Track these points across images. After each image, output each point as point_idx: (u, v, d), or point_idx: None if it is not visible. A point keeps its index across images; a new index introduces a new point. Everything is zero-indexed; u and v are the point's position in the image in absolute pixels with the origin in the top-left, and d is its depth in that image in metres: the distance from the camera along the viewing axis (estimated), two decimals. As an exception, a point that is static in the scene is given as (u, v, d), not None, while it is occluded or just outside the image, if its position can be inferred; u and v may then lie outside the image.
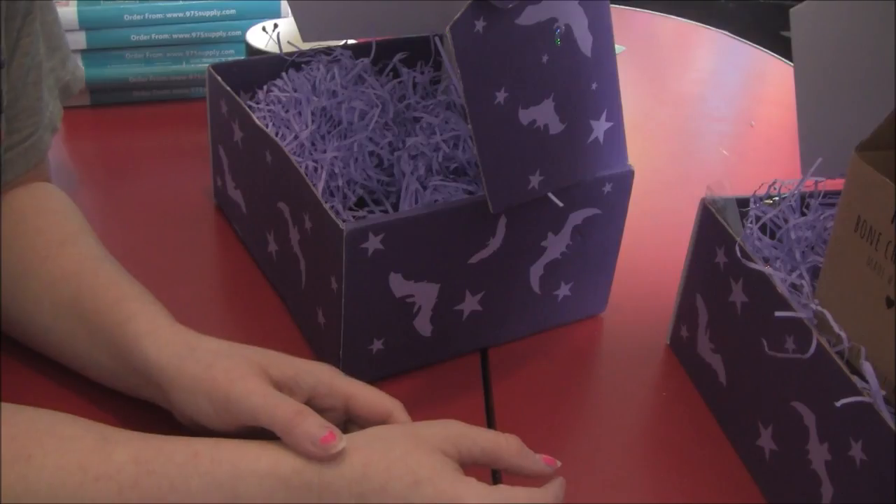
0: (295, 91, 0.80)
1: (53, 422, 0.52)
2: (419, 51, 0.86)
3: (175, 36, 1.02)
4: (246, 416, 0.53)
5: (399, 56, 0.85)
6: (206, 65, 1.03)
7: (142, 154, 0.97)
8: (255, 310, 0.76)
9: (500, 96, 0.62)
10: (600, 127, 0.68)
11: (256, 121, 0.73)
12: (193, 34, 1.02)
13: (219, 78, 0.79)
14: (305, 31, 0.82)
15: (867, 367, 0.53)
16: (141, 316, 0.59)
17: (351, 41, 0.87)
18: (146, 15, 1.00)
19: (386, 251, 0.63)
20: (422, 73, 0.84)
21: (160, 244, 0.83)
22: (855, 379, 0.53)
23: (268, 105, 0.80)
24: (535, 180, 0.65)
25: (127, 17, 0.99)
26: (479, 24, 0.60)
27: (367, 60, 0.82)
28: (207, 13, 1.02)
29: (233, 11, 1.03)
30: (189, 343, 0.57)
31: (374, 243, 0.62)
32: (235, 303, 0.78)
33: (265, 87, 0.82)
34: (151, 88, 1.04)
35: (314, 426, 0.51)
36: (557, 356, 0.74)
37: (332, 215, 0.62)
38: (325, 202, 0.65)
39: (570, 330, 0.76)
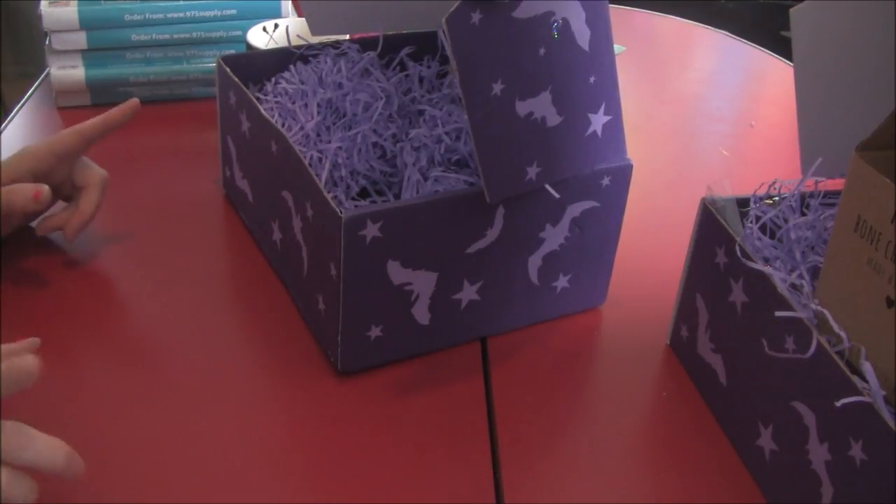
0: (302, 83, 0.81)
1: None
2: (427, 45, 0.87)
3: (175, 36, 1.02)
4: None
5: (406, 50, 0.85)
6: (207, 65, 1.04)
7: (143, 153, 0.97)
8: (260, 297, 0.77)
9: (497, 88, 0.62)
10: (598, 120, 0.68)
11: (262, 111, 0.74)
12: (194, 34, 1.02)
13: (227, 69, 0.80)
14: (314, 25, 0.83)
15: (867, 367, 0.53)
16: None
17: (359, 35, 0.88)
18: (146, 15, 1.00)
19: (384, 239, 0.64)
20: (428, 67, 0.85)
21: (167, 237, 0.83)
22: (855, 379, 0.53)
23: (275, 97, 0.81)
24: (532, 172, 0.65)
25: (127, 17, 1.00)
26: (476, 17, 0.60)
27: (373, 54, 0.83)
28: (208, 13, 1.02)
29: (233, 11, 1.03)
30: None
31: (372, 231, 0.63)
32: (241, 290, 0.79)
33: (273, 80, 0.83)
34: (152, 88, 1.04)
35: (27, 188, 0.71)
36: (557, 347, 0.74)
37: (332, 203, 0.63)
38: (328, 191, 0.65)
39: (570, 321, 0.77)
